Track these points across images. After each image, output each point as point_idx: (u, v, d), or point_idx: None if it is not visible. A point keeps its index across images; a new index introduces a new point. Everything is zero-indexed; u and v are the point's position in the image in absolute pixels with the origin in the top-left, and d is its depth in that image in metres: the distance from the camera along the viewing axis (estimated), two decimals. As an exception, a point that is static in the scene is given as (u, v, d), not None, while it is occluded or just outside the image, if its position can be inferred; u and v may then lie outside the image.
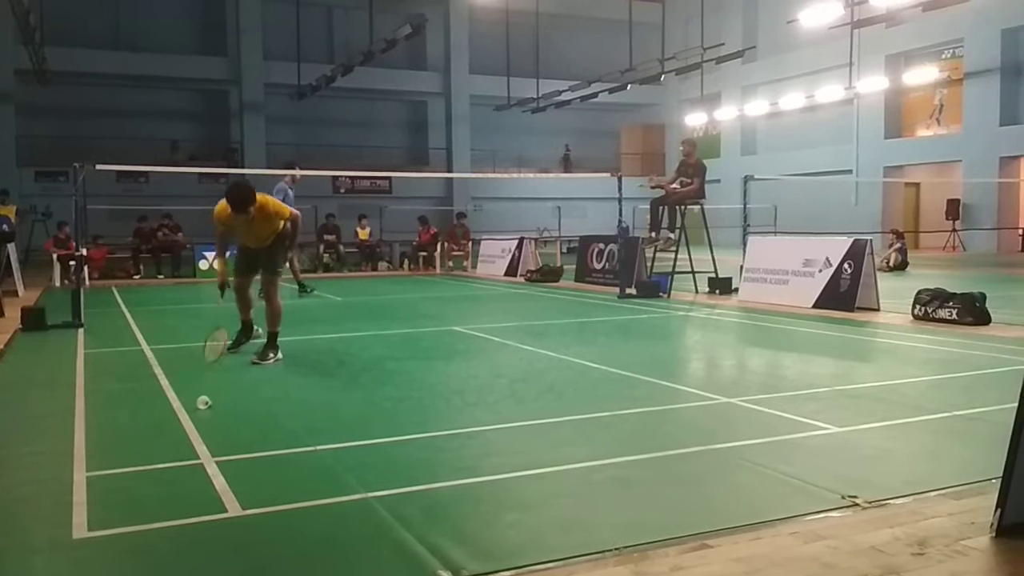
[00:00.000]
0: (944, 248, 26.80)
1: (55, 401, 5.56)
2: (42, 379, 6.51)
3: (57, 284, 15.62)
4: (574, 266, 16.17)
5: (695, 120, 35.62)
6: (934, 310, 8.98)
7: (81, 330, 9.03)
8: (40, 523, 3.32)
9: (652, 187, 13.66)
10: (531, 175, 35.22)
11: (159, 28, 32.30)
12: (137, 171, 25.98)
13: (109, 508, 3.45)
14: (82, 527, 3.19)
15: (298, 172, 13.35)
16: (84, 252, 11.22)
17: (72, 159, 10.88)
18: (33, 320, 9.06)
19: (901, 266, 17.86)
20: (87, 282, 12.85)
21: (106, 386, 6.03)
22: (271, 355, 6.91)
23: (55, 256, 16.58)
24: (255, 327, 7.46)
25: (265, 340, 7.08)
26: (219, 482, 3.69)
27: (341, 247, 21.36)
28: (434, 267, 20.75)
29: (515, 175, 34.35)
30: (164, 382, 6.04)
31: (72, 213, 10.29)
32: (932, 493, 3.45)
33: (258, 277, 7.38)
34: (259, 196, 6.98)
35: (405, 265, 21.26)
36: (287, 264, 8.55)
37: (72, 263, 10.61)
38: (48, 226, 20.75)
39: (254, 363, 6.77)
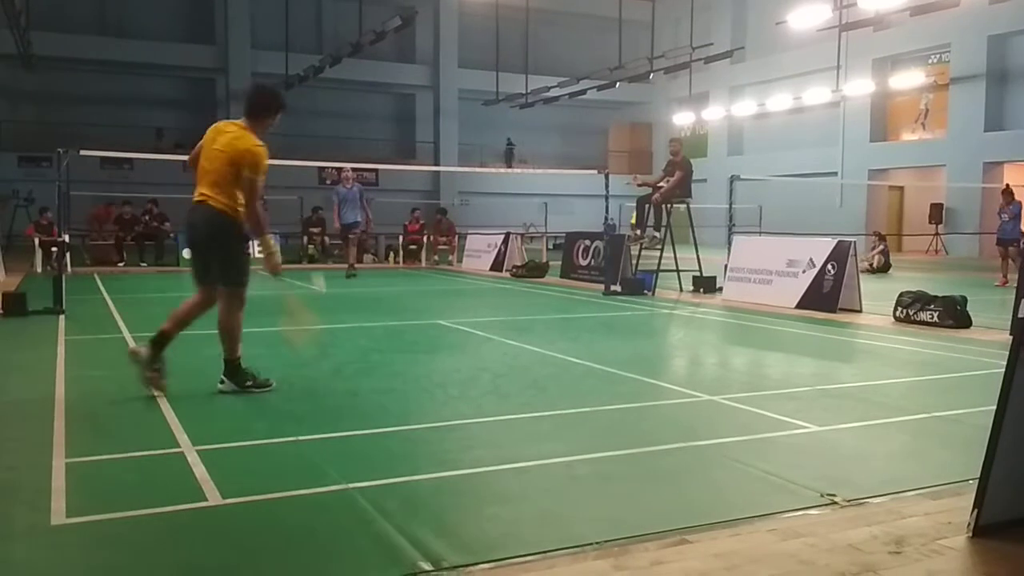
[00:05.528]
0: (927, 251, 27.01)
1: (35, 387, 5.52)
2: (22, 365, 6.46)
3: (39, 270, 15.49)
4: (559, 262, 16.19)
5: (683, 119, 35.71)
6: (915, 312, 9.05)
7: (62, 317, 8.96)
8: (18, 509, 3.30)
9: (638, 185, 13.75)
10: (518, 170, 35.19)
11: (146, 15, 32.09)
12: (121, 157, 25.78)
13: (88, 495, 3.43)
14: (60, 513, 3.17)
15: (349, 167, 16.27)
16: (66, 239, 11.10)
17: (56, 145, 10.83)
18: (14, 305, 9.02)
19: (884, 268, 17.98)
20: (69, 268, 12.76)
21: (86, 373, 5.99)
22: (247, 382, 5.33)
23: (37, 241, 16.45)
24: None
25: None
26: (199, 470, 3.68)
27: (326, 238, 21.30)
28: (420, 261, 20.72)
29: (502, 170, 34.32)
30: (145, 370, 5.99)
31: (55, 199, 10.22)
32: (910, 493, 3.49)
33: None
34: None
35: (391, 258, 21.21)
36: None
37: (54, 249, 10.54)
38: (31, 212, 20.55)
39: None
